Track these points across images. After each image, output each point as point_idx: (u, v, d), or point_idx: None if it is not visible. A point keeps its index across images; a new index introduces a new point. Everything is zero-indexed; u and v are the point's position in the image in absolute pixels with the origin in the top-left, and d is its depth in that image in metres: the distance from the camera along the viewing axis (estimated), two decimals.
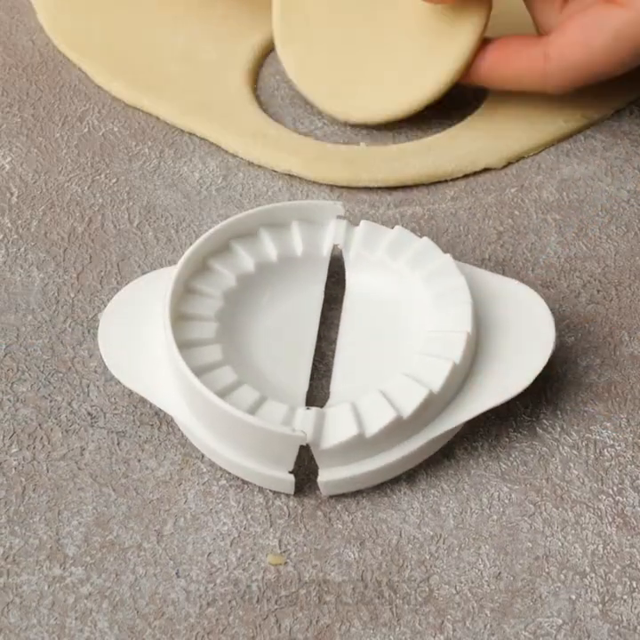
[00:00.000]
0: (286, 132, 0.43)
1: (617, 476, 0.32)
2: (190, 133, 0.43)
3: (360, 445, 0.30)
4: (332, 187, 0.40)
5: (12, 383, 0.34)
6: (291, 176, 0.41)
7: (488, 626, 0.29)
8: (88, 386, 0.34)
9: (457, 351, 0.31)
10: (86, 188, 0.41)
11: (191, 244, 0.34)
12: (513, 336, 0.32)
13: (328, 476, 0.30)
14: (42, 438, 0.33)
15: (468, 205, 0.40)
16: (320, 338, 0.34)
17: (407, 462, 0.31)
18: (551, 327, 0.32)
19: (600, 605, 0.29)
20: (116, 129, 0.43)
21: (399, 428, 0.30)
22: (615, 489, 0.31)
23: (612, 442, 0.32)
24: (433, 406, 0.31)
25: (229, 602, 0.29)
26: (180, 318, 0.32)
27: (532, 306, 0.33)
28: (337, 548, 0.30)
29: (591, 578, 0.29)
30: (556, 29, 0.39)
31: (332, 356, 0.33)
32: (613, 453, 0.32)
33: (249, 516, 0.31)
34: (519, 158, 0.41)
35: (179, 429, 0.33)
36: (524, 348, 0.32)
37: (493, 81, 0.40)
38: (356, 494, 0.31)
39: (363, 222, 0.35)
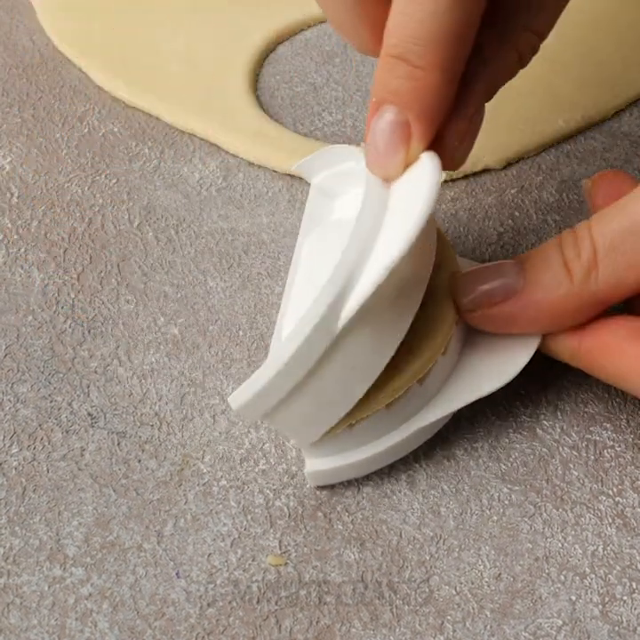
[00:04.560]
0: (287, 132, 0.43)
1: (617, 476, 0.32)
2: (190, 134, 0.43)
3: (346, 436, 0.30)
4: None
5: (12, 384, 0.34)
6: (291, 176, 0.41)
7: (488, 627, 0.29)
8: (88, 386, 0.34)
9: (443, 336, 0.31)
10: (86, 188, 0.41)
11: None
12: None
13: (315, 465, 0.30)
14: (42, 439, 0.33)
15: (468, 206, 0.40)
16: None
17: (395, 453, 0.31)
18: None
19: (600, 606, 0.29)
20: (116, 129, 0.43)
21: (386, 419, 0.30)
22: (615, 490, 0.31)
23: (612, 443, 0.32)
24: (419, 395, 0.31)
25: (230, 602, 0.29)
26: None
27: None
28: (337, 549, 0.30)
29: (591, 579, 0.29)
30: None
31: None
32: (613, 454, 0.32)
33: (249, 517, 0.31)
34: (519, 159, 0.41)
35: (179, 429, 0.33)
36: (512, 339, 0.32)
37: (590, 369, 0.31)
38: (356, 495, 0.31)
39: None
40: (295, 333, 0.27)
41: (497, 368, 0.32)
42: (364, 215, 0.28)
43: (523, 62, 0.34)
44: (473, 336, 0.32)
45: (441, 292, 0.31)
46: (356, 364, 0.29)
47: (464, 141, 0.32)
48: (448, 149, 0.31)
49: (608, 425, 0.33)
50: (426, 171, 0.28)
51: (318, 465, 0.31)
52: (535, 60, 0.45)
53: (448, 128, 0.31)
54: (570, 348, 0.31)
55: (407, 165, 0.29)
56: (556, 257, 0.30)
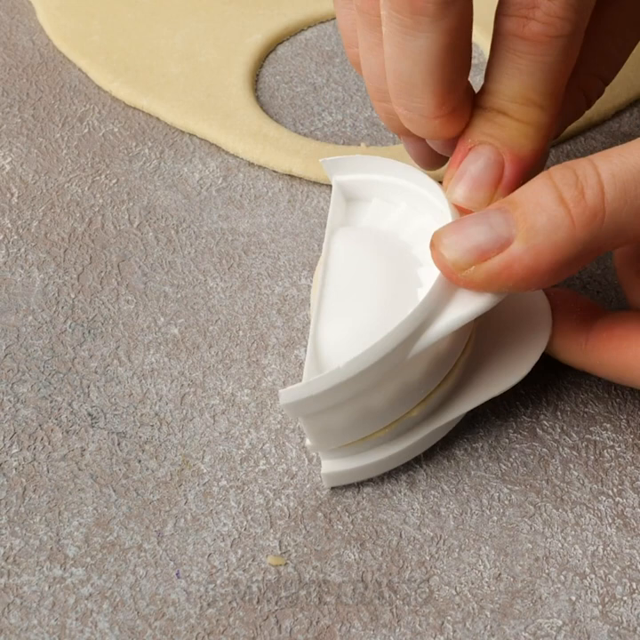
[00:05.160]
0: (286, 132, 0.43)
1: (617, 477, 0.32)
2: (190, 134, 0.43)
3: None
4: None
5: (12, 384, 0.34)
6: (291, 176, 0.41)
7: (488, 627, 0.29)
8: (88, 386, 0.34)
9: None
10: (86, 188, 0.41)
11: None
12: (510, 327, 0.33)
13: (331, 467, 0.31)
14: (42, 439, 0.33)
15: None
16: None
17: (410, 453, 0.31)
18: (548, 315, 0.32)
19: (600, 606, 0.29)
20: (116, 129, 0.43)
21: (401, 421, 0.31)
22: (615, 490, 0.31)
23: (611, 443, 0.32)
24: (434, 398, 0.31)
25: (230, 602, 0.29)
26: None
27: (529, 295, 0.33)
28: (337, 549, 0.30)
29: (591, 579, 0.29)
30: None
31: None
32: (613, 454, 0.32)
33: (249, 517, 0.31)
34: None
35: (179, 429, 0.33)
36: (522, 339, 0.32)
37: (597, 365, 0.31)
38: (356, 495, 0.31)
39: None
40: (367, 353, 0.28)
41: (508, 368, 0.32)
42: None
43: (589, 104, 0.35)
44: (482, 337, 0.32)
45: None
46: (410, 387, 0.30)
47: (531, 176, 0.32)
48: None
49: (608, 425, 0.33)
50: None
51: (334, 466, 0.31)
52: None
53: None
54: (576, 345, 0.31)
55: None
56: (550, 197, 0.27)
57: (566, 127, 0.35)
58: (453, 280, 0.28)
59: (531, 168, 0.30)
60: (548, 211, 0.27)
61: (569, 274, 0.28)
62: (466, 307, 0.28)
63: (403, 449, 0.31)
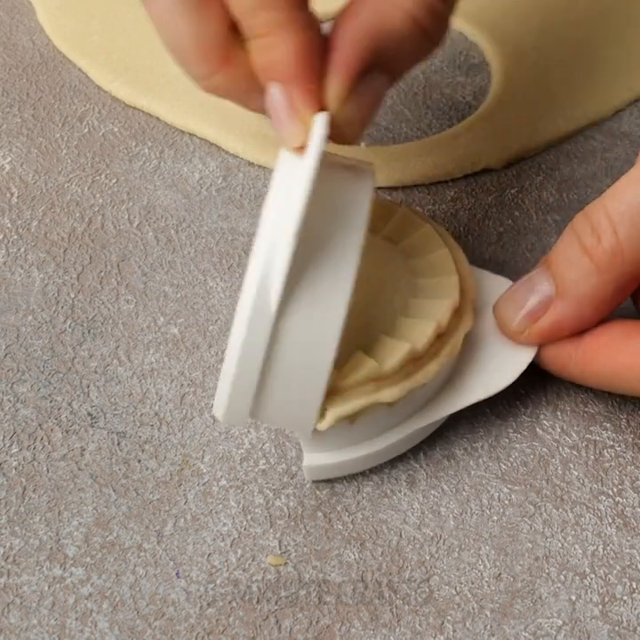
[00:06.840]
0: None
1: (617, 476, 0.32)
2: (190, 134, 0.43)
3: (346, 432, 0.30)
4: None
5: (12, 384, 0.34)
6: None
7: (488, 627, 0.29)
8: (88, 386, 0.34)
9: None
10: (86, 188, 0.41)
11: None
12: (499, 335, 0.33)
13: (313, 460, 0.31)
14: (42, 439, 0.33)
15: (468, 206, 0.40)
16: None
17: (392, 451, 0.31)
18: None
19: (600, 606, 0.29)
20: (116, 129, 0.43)
21: (386, 417, 0.30)
22: (615, 490, 0.31)
23: (611, 442, 0.32)
24: (419, 396, 0.31)
25: (229, 602, 0.29)
26: None
27: None
28: (337, 549, 0.30)
29: (591, 579, 0.29)
30: None
31: None
32: (613, 454, 0.32)
33: (249, 517, 0.31)
34: (519, 159, 0.41)
35: (179, 429, 0.33)
36: (512, 343, 0.32)
37: (586, 374, 0.31)
38: (355, 495, 0.31)
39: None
40: (235, 329, 0.27)
41: (498, 371, 0.32)
42: (273, 190, 0.29)
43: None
44: (473, 338, 0.32)
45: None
46: (308, 336, 0.28)
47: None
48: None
49: (608, 425, 0.33)
50: (314, 131, 0.29)
51: (316, 460, 0.31)
52: (535, 59, 0.45)
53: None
54: (565, 355, 0.31)
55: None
56: (575, 249, 0.30)
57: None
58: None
59: (312, 71, 0.29)
60: (576, 264, 0.29)
61: (617, 305, 0.30)
62: (286, 232, 0.27)
63: (386, 446, 0.31)
